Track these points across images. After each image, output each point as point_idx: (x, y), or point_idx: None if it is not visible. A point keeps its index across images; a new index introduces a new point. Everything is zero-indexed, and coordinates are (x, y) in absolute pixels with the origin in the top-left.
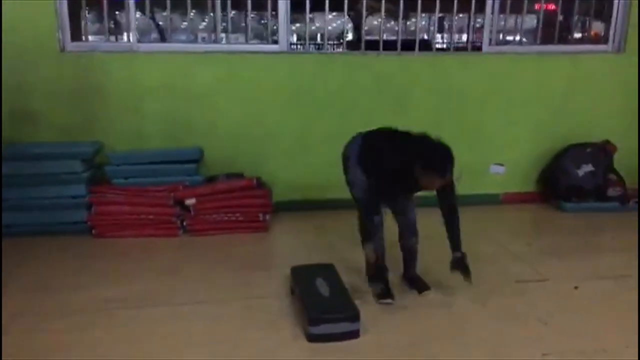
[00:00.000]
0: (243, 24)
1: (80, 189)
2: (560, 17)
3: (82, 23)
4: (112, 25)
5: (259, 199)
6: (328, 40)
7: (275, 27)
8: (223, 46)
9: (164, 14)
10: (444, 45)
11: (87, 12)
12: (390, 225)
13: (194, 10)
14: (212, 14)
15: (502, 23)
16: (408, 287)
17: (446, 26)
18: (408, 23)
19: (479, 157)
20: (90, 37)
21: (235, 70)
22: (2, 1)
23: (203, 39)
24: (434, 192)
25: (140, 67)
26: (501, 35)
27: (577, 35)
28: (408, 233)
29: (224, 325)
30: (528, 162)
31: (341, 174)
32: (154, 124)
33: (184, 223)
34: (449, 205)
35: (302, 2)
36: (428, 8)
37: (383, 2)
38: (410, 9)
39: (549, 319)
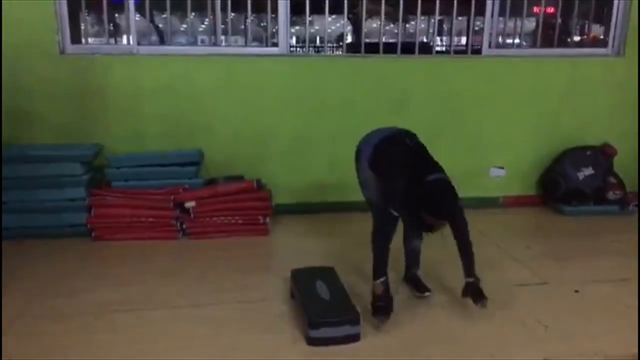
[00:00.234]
0: (243, 27)
1: (79, 191)
2: (559, 21)
3: (82, 25)
4: (112, 28)
5: (259, 201)
6: (328, 43)
7: (275, 30)
8: (223, 49)
9: (164, 16)
10: (444, 48)
11: (86, 14)
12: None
13: (193, 13)
14: (211, 17)
15: (502, 26)
16: (408, 288)
17: (446, 29)
18: (407, 26)
19: (478, 160)
20: (90, 40)
21: (234, 72)
22: (2, 3)
23: (203, 41)
24: None
25: (140, 69)
26: (501, 39)
27: (577, 38)
28: (412, 234)
29: (223, 328)
30: (528, 165)
31: (341, 176)
32: (154, 127)
33: (184, 226)
34: (460, 231)
35: (301, 5)
36: (428, 11)
37: (383, 4)
38: (410, 11)
39: (549, 322)
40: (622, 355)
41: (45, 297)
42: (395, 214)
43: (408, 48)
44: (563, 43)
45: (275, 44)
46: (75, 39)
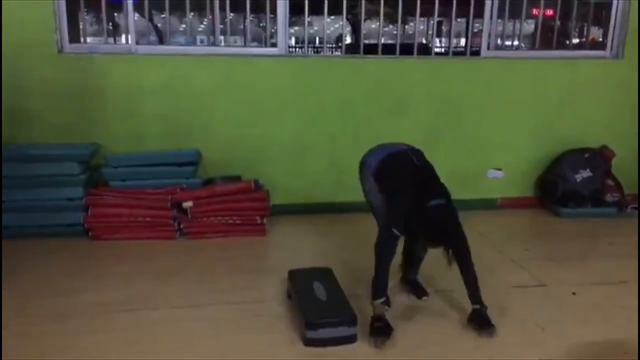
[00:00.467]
0: (242, 27)
1: (77, 191)
2: (558, 23)
3: (81, 25)
4: (111, 27)
5: (256, 202)
6: (327, 43)
7: (273, 30)
8: (221, 49)
9: (163, 16)
10: (443, 50)
11: (85, 13)
12: None
13: (192, 13)
14: (210, 17)
15: (501, 28)
16: (406, 291)
17: (445, 30)
18: (406, 27)
19: (476, 162)
20: (88, 39)
21: (233, 73)
22: (1, 2)
23: (202, 41)
24: None
25: (139, 69)
26: (499, 40)
27: (576, 40)
28: (417, 247)
29: (220, 328)
30: (526, 167)
31: (339, 177)
32: (152, 126)
33: (181, 226)
34: (462, 256)
35: (300, 6)
36: (427, 12)
37: (382, 5)
38: (409, 13)
39: (547, 324)
40: (620, 357)
41: (43, 296)
42: (398, 233)
43: (407, 49)
44: (562, 45)
45: (274, 45)
46: (74, 38)
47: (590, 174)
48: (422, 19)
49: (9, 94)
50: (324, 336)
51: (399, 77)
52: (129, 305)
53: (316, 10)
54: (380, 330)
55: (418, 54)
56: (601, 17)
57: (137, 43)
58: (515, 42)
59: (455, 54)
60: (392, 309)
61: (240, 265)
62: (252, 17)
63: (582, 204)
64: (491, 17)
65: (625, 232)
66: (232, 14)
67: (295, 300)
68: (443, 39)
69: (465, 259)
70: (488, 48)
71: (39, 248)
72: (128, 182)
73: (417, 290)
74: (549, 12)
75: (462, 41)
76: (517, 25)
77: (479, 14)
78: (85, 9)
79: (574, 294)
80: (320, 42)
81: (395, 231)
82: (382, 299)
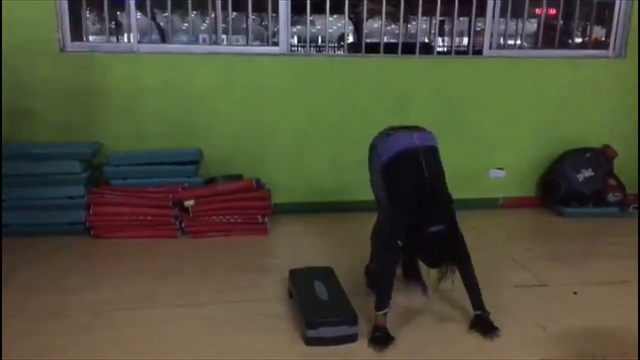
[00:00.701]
0: (244, 26)
1: (78, 189)
2: (560, 22)
3: (83, 23)
4: (113, 26)
5: (258, 201)
6: (329, 42)
7: (275, 29)
8: (223, 48)
9: (165, 15)
10: (445, 49)
11: (87, 12)
12: None
13: (194, 12)
14: (212, 16)
15: (503, 27)
16: (406, 286)
17: (447, 30)
18: (409, 26)
19: (478, 161)
20: (91, 38)
21: (235, 71)
22: (2, 0)
23: (204, 40)
24: None
25: (141, 68)
26: (502, 40)
27: (578, 40)
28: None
29: (221, 327)
30: (528, 167)
31: (340, 176)
32: (154, 125)
33: (183, 225)
34: (464, 268)
35: (302, 4)
36: (429, 11)
37: (384, 4)
38: (411, 12)
39: (548, 324)
40: (621, 357)
41: (44, 294)
42: (401, 244)
43: (409, 48)
44: (564, 45)
45: (276, 44)
46: (76, 36)
47: (592, 174)
48: (425, 18)
49: (10, 92)
50: (325, 335)
51: (401, 76)
52: (130, 303)
53: (318, 9)
54: (381, 340)
55: (420, 53)
56: (604, 17)
57: (139, 42)
58: (518, 42)
59: (458, 53)
60: (392, 309)
61: (242, 264)
62: (254, 16)
63: (584, 203)
64: (493, 16)
65: (627, 232)
66: (234, 13)
67: (296, 299)
68: (445, 38)
69: (464, 265)
70: (490, 47)
71: (41, 246)
72: (130, 181)
73: (421, 286)
74: (552, 11)
75: (465, 40)
76: (520, 24)
77: (482, 13)
78: (88, 8)
79: (575, 293)
80: (323, 41)
81: (399, 242)
82: (386, 310)
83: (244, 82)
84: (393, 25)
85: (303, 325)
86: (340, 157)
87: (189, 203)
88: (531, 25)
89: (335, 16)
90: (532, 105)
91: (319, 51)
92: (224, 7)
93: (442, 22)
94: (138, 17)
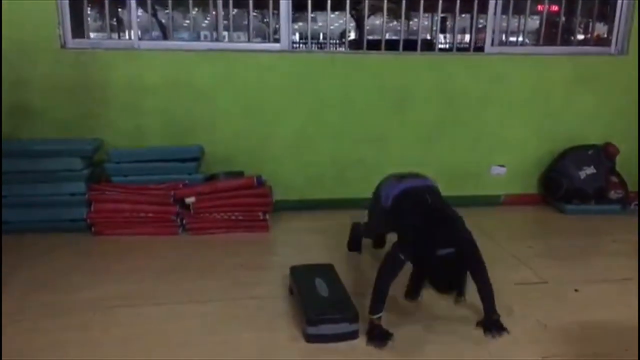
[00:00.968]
0: (245, 23)
1: (79, 186)
2: (563, 19)
3: (84, 20)
4: (114, 23)
5: (259, 197)
6: (330, 39)
7: (277, 26)
8: (224, 44)
9: (166, 11)
10: (446, 46)
11: (88, 9)
12: None
13: (196, 8)
14: (214, 12)
15: (505, 24)
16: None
17: (449, 26)
18: (410, 23)
19: (480, 158)
20: (92, 35)
21: (236, 68)
22: None
23: (205, 37)
24: None
25: (142, 64)
26: (504, 36)
27: (580, 37)
28: None
29: (222, 325)
30: (529, 164)
31: (342, 173)
32: (155, 122)
33: (184, 222)
34: (473, 267)
35: (304, 1)
36: (430, 8)
37: (385, 1)
38: (413, 8)
39: (549, 321)
40: (622, 355)
41: (45, 291)
42: (405, 259)
43: (410, 45)
44: (566, 41)
45: (277, 40)
46: (77, 33)
47: (594, 171)
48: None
49: (11, 89)
50: (326, 332)
51: (403, 73)
52: (130, 300)
53: (320, 6)
54: (379, 337)
55: (422, 50)
56: (606, 13)
57: (140, 38)
58: (520, 38)
59: (459, 50)
60: (393, 307)
61: (243, 261)
62: (256, 12)
63: (585, 201)
64: (495, 13)
65: (629, 229)
66: (235, 10)
67: (297, 296)
68: (447, 35)
69: (479, 272)
70: (492, 44)
71: (42, 243)
72: (131, 178)
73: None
74: (554, 7)
75: (466, 37)
76: (522, 21)
77: (483, 9)
78: (89, 4)
79: (576, 291)
80: (324, 38)
81: (402, 257)
82: (380, 315)
83: (245, 79)
84: (395, 22)
85: (304, 322)
86: (341, 153)
87: (190, 200)
88: (533, 22)
89: (336, 13)
90: (533, 102)
91: (321, 48)
92: (225, 4)
93: (443, 19)
94: (139, 13)
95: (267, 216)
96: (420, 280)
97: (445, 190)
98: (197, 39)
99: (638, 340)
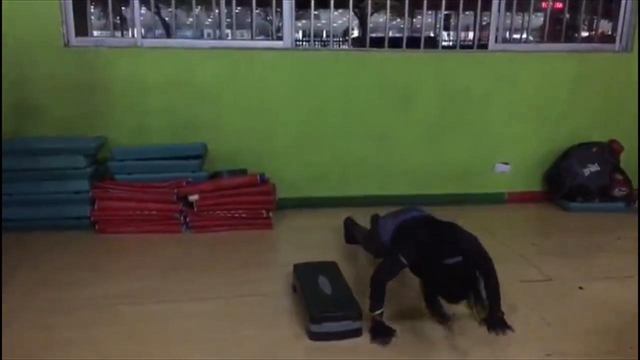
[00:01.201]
0: (248, 20)
1: (83, 184)
2: (567, 16)
3: (87, 18)
4: (118, 21)
5: (262, 195)
6: (333, 37)
7: (280, 24)
8: (228, 42)
9: (169, 9)
10: (450, 43)
11: (92, 7)
12: None
13: (199, 7)
14: (217, 11)
15: (509, 21)
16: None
17: (452, 24)
18: (414, 20)
19: (484, 156)
20: (95, 33)
21: (240, 66)
22: None
23: (208, 35)
24: None
25: (145, 62)
26: (507, 34)
27: (584, 34)
28: None
29: (225, 322)
30: (533, 161)
31: (345, 171)
32: (158, 120)
33: (187, 219)
34: (483, 273)
35: None
36: (434, 5)
37: None
38: (416, 6)
39: (553, 319)
40: (626, 352)
41: (48, 289)
42: (405, 262)
43: (414, 42)
44: (570, 39)
45: (280, 38)
46: (81, 31)
47: (598, 169)
48: (430, 12)
49: (15, 87)
50: (329, 330)
51: (406, 70)
52: (134, 298)
53: (323, 4)
54: (383, 333)
55: (425, 47)
56: (610, 10)
57: (144, 37)
58: (524, 36)
59: (463, 47)
60: (393, 307)
61: (246, 258)
62: (259, 10)
63: (589, 198)
64: (499, 10)
65: (633, 227)
66: (238, 8)
67: (300, 294)
68: (451, 33)
69: (488, 278)
70: (496, 41)
71: (45, 241)
72: (134, 176)
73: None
74: (558, 5)
75: (470, 35)
76: (526, 18)
77: (487, 7)
78: (92, 3)
79: (580, 288)
80: (327, 36)
81: (403, 259)
82: (380, 311)
83: (248, 76)
84: (398, 20)
85: (307, 320)
86: (344, 151)
87: (194, 198)
88: (537, 19)
89: (340, 10)
90: (538, 99)
91: (324, 46)
92: (229, 2)
93: (447, 16)
94: (142, 12)
95: (270, 214)
96: (431, 291)
97: (448, 189)
98: (201, 37)
99: (638, 338)
